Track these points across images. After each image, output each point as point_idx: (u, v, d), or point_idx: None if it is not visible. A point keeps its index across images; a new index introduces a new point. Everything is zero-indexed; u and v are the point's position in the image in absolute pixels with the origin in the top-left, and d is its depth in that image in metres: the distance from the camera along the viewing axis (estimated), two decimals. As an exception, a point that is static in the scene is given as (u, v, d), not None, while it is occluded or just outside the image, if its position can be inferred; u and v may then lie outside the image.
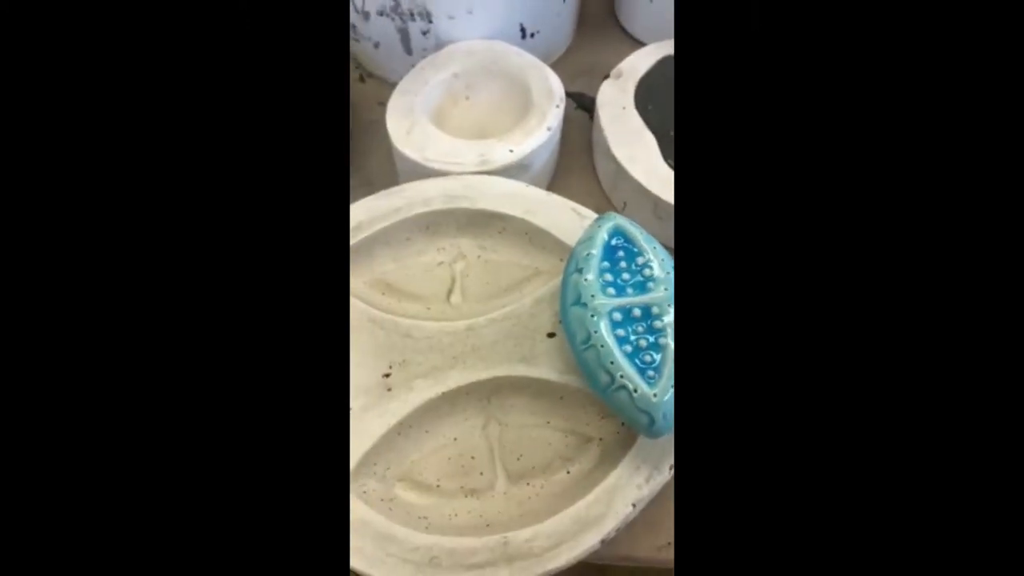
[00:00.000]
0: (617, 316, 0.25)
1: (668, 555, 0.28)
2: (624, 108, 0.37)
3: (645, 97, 0.37)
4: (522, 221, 0.31)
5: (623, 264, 0.26)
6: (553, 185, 0.39)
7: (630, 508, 0.24)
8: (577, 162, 0.40)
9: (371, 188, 0.33)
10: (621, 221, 0.27)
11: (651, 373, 0.24)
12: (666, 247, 0.27)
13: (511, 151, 0.34)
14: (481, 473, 0.27)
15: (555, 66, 0.41)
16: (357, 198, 0.32)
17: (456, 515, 0.26)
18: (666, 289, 0.25)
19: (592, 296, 0.25)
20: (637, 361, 0.24)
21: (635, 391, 0.23)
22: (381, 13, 0.38)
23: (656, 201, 0.34)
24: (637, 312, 0.25)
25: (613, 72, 0.39)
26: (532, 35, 0.41)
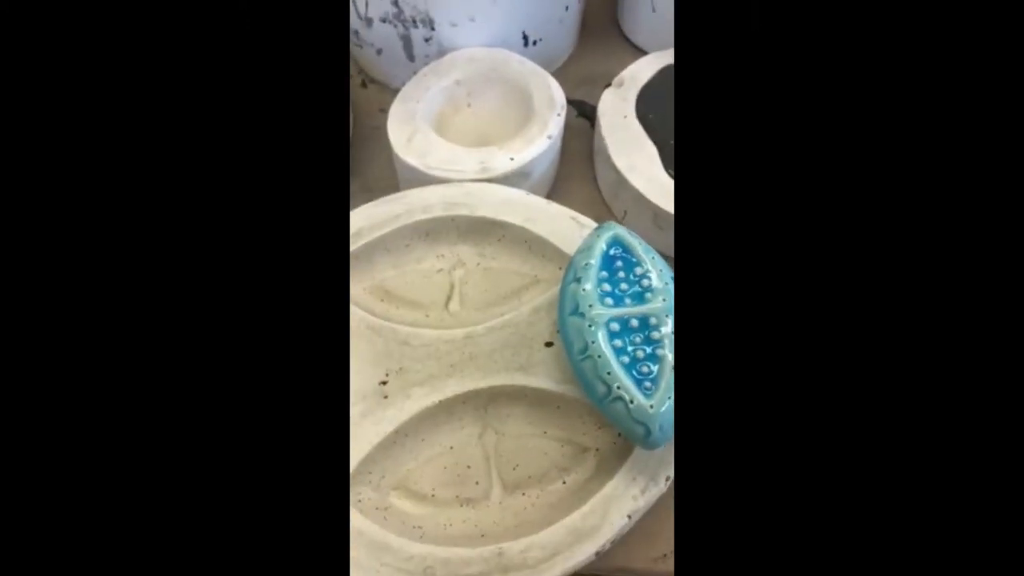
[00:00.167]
0: (615, 326, 0.25)
1: (664, 567, 0.28)
2: (625, 117, 0.37)
3: (646, 106, 0.37)
4: (521, 229, 0.31)
5: (621, 274, 0.26)
6: (553, 193, 0.39)
7: (626, 520, 0.24)
8: (578, 170, 0.40)
9: (371, 194, 0.33)
10: (620, 231, 0.27)
11: (648, 384, 0.24)
12: (666, 257, 0.27)
13: (512, 159, 0.34)
14: (477, 482, 0.27)
15: (557, 74, 0.41)
16: (357, 204, 0.32)
17: (451, 525, 0.26)
18: (664, 300, 0.25)
19: (590, 306, 0.25)
20: (634, 372, 0.24)
21: (631, 402, 0.23)
22: (384, 20, 0.39)
23: (656, 210, 0.34)
24: (635, 323, 0.25)
25: (615, 81, 0.39)
26: (534, 43, 0.41)
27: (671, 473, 0.25)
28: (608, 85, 0.38)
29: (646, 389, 0.24)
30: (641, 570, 0.28)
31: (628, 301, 0.25)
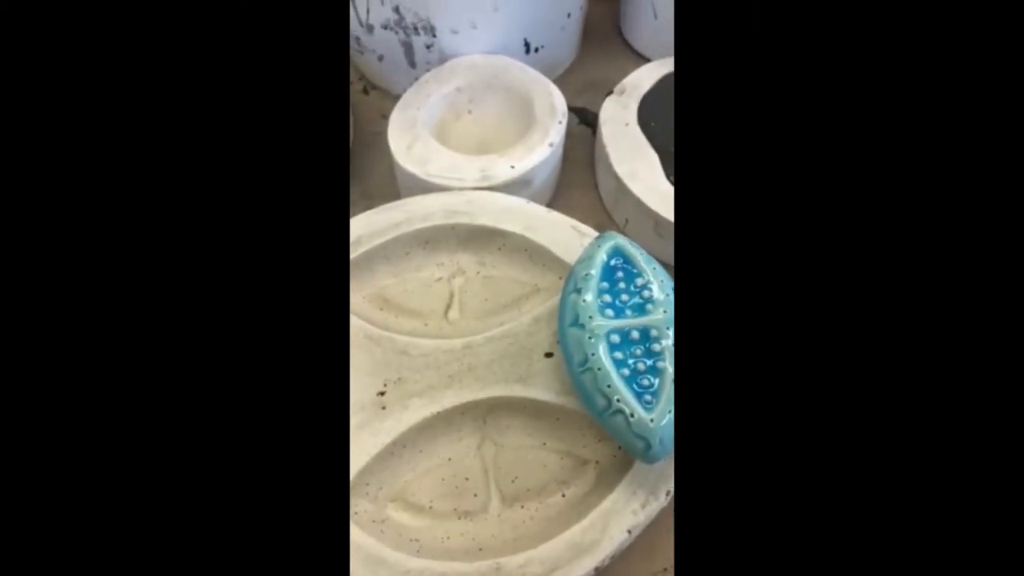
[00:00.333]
0: (615, 338, 0.24)
1: (664, 581, 0.27)
2: (627, 124, 0.37)
3: (648, 114, 0.37)
4: (522, 238, 0.31)
5: (622, 285, 0.26)
6: (555, 200, 0.39)
7: (625, 535, 0.24)
8: (579, 178, 0.40)
9: (371, 201, 0.33)
10: (621, 241, 0.27)
11: (648, 397, 0.23)
12: (668, 266, 0.27)
13: (512, 167, 0.34)
14: (475, 495, 0.27)
15: (559, 81, 0.40)
16: (357, 211, 0.32)
17: (448, 538, 0.26)
18: (665, 312, 0.25)
19: (590, 317, 0.25)
20: (634, 385, 0.24)
21: (632, 416, 0.23)
22: (385, 26, 0.38)
23: (657, 219, 0.34)
24: (635, 334, 0.24)
25: (616, 88, 0.38)
26: (536, 50, 0.41)
27: (672, 487, 0.25)
28: (610, 92, 0.38)
29: (646, 402, 0.23)
30: (641, 584, 0.27)
31: (629, 312, 0.25)
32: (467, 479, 0.27)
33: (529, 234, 0.31)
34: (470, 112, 0.39)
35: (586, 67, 0.45)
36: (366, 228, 0.31)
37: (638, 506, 0.24)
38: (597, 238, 0.27)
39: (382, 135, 0.36)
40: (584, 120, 0.41)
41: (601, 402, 0.24)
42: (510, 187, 0.34)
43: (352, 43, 0.41)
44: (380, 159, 0.40)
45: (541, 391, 0.27)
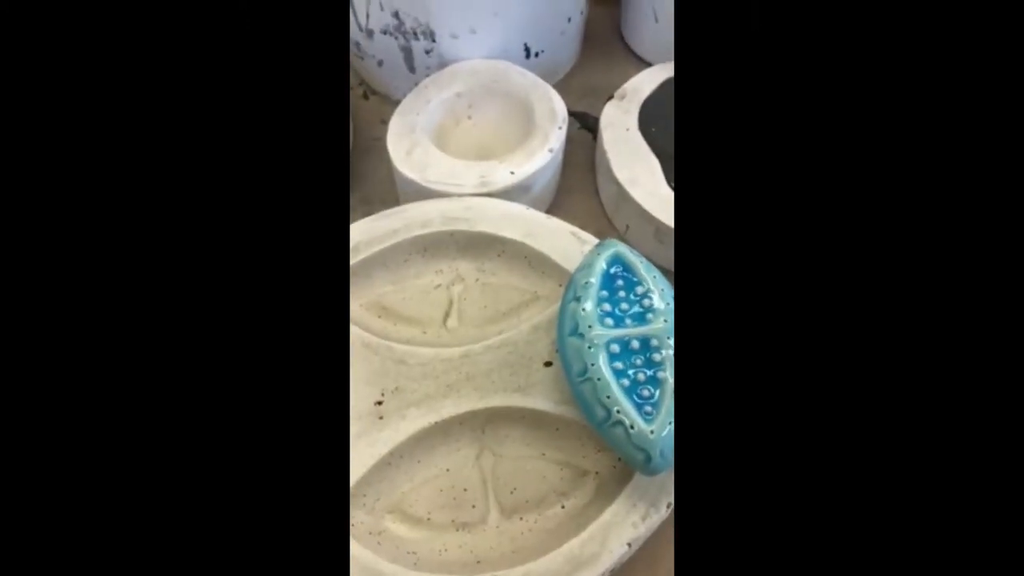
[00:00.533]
0: (615, 348, 0.24)
1: (666, 594, 0.27)
2: (628, 130, 0.36)
3: (649, 119, 0.36)
4: (521, 244, 0.31)
5: (622, 293, 0.26)
6: (555, 206, 0.39)
7: (625, 548, 0.24)
8: (579, 183, 0.39)
9: (371, 206, 0.33)
10: (621, 249, 0.26)
11: (648, 408, 0.23)
12: (669, 273, 0.27)
13: (512, 173, 0.34)
14: (473, 506, 0.26)
15: (559, 86, 0.40)
16: (356, 216, 0.32)
17: (446, 550, 0.25)
18: (666, 321, 0.24)
19: (590, 326, 0.24)
20: (635, 396, 0.23)
21: (632, 427, 0.23)
22: (385, 31, 0.38)
23: (658, 225, 0.33)
24: (636, 344, 0.24)
25: (617, 93, 0.38)
26: (536, 54, 0.41)
27: (672, 499, 0.25)
28: (610, 97, 0.38)
29: (647, 414, 0.23)
30: (642, 597, 0.27)
31: (629, 321, 0.25)
32: (465, 490, 0.27)
33: (529, 241, 0.30)
34: (470, 117, 0.39)
35: (586, 72, 0.45)
36: (364, 235, 0.31)
37: (638, 518, 0.24)
38: (597, 245, 0.27)
39: (381, 140, 0.36)
40: (584, 125, 0.41)
41: (601, 413, 0.23)
42: (510, 193, 0.33)
43: (352, 48, 0.41)
44: (379, 165, 0.40)
45: (540, 401, 0.27)
